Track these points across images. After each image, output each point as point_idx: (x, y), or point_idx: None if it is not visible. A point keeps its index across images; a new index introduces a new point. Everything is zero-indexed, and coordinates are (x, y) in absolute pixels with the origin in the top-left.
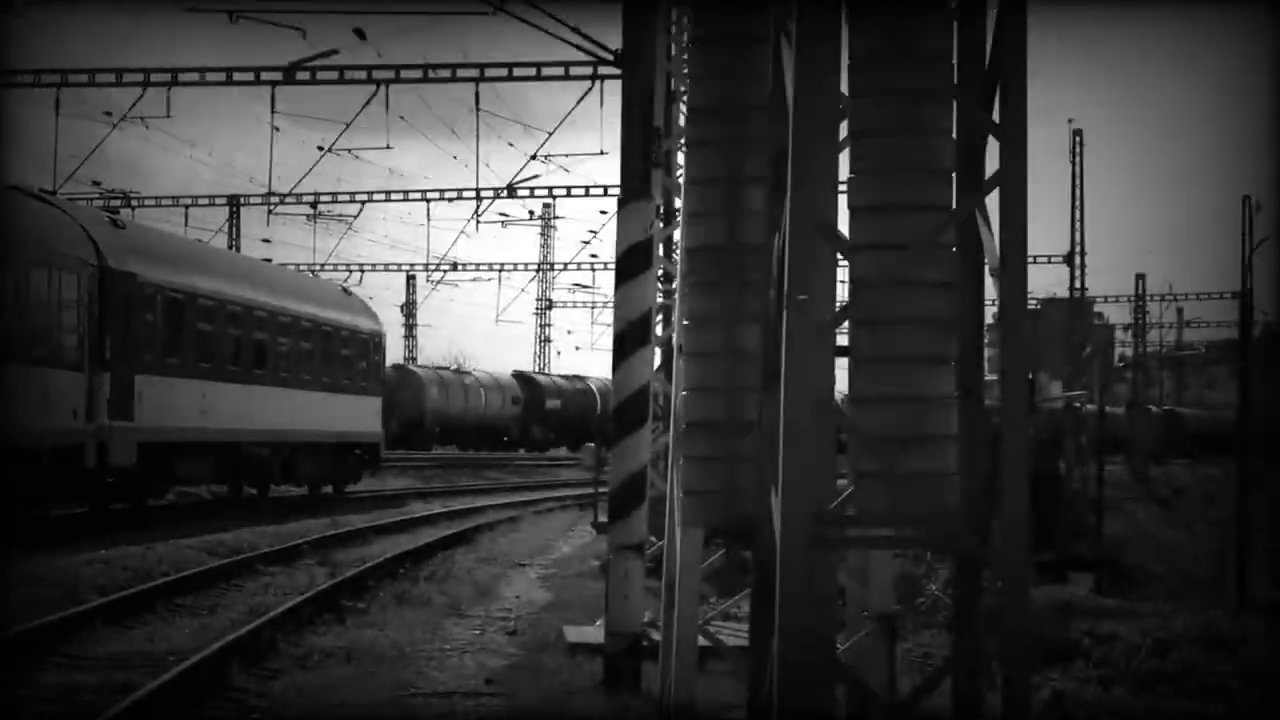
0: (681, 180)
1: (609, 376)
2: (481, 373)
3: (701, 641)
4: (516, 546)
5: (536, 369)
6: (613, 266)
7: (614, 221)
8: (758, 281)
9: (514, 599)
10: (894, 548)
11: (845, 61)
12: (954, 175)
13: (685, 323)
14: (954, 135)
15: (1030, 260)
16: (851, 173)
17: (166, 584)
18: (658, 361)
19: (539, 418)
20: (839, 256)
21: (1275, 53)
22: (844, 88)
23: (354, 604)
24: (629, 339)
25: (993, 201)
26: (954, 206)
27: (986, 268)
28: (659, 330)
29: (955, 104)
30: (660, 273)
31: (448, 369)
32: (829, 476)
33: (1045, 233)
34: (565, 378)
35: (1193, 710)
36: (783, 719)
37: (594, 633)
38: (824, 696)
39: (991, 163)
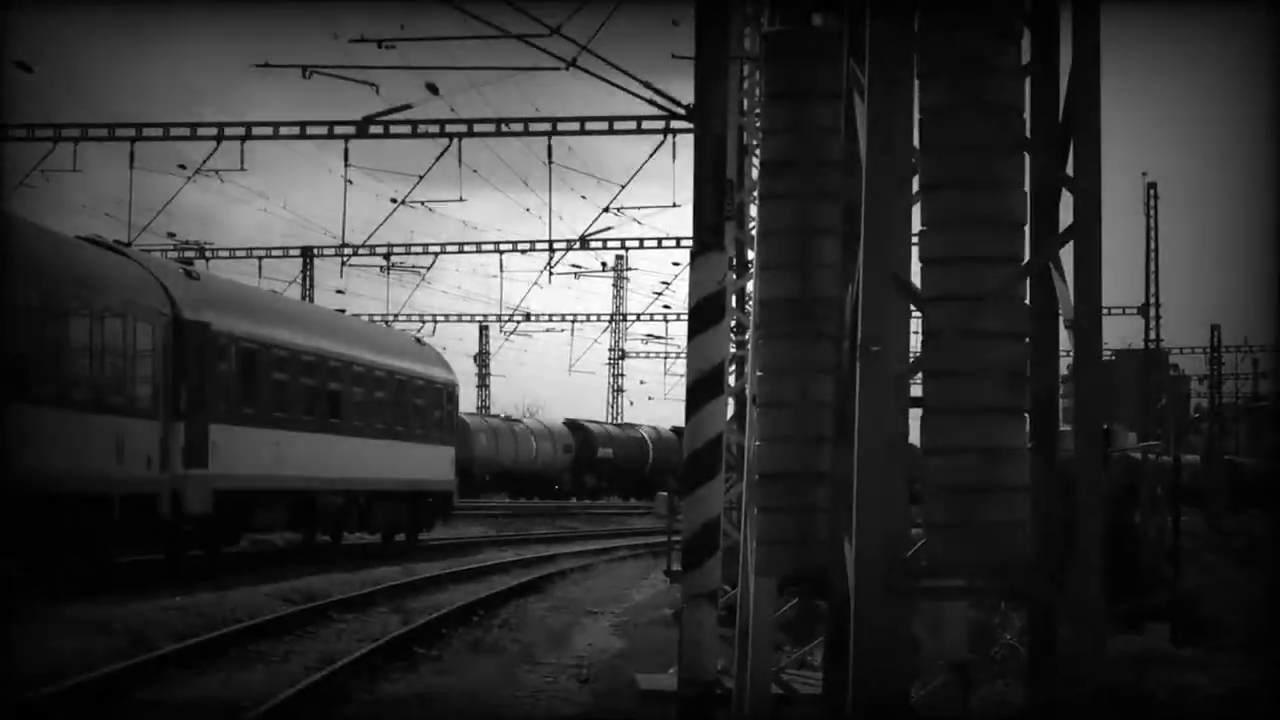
0: (754, 232)
1: (661, 425)
2: (533, 420)
3: (775, 690)
4: (589, 594)
5: (609, 419)
6: (685, 317)
7: (686, 273)
8: (831, 333)
9: (587, 646)
10: (968, 597)
11: (916, 115)
12: (1025, 228)
13: (759, 373)
14: (1025, 188)
15: (1105, 311)
16: (923, 225)
17: (240, 630)
18: (731, 411)
19: (590, 466)
20: (912, 308)
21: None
22: (915, 142)
23: (427, 651)
24: (702, 389)
25: (1067, 253)
26: (1026, 258)
27: (1061, 319)
28: (731, 381)
29: (1028, 157)
30: (733, 324)
31: (497, 417)
32: (903, 526)
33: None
34: (618, 425)
35: None
36: None
37: (667, 680)
38: None
39: (1066, 215)
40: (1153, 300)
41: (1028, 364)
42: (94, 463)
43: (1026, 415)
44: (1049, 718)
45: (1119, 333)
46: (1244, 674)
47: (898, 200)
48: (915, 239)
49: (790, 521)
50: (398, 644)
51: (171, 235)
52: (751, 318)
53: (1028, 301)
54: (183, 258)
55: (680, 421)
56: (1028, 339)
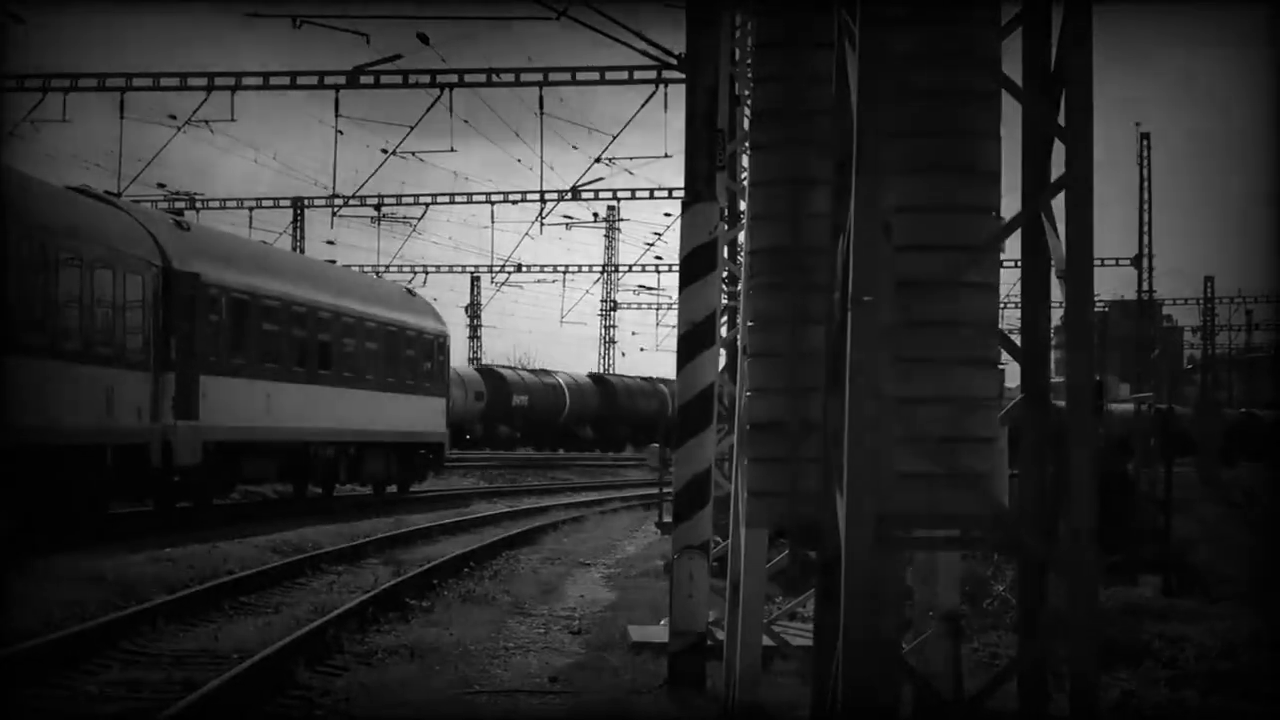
0: (746, 183)
1: (579, 373)
2: None
3: (766, 641)
4: (581, 546)
5: (603, 369)
6: (677, 269)
7: (678, 224)
8: (822, 283)
9: (578, 598)
10: (957, 549)
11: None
12: (1001, 178)
13: (750, 324)
14: (999, 138)
15: (1098, 263)
16: (900, 174)
17: (231, 582)
18: (723, 363)
19: (504, 415)
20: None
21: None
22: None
23: (418, 602)
24: (693, 341)
25: (1058, 204)
26: (1002, 209)
27: (1053, 270)
28: (723, 332)
29: (1021, 106)
30: (725, 275)
31: None
32: (885, 477)
33: (1113, 236)
34: (533, 372)
35: (1262, 713)
36: (847, 719)
37: (658, 632)
38: (888, 696)
39: (1057, 166)
40: (1146, 252)
41: (999, 314)
42: (85, 414)
43: (999, 365)
44: (1041, 668)
45: (1112, 285)
46: (1237, 625)
47: (887, 150)
48: None
49: (781, 472)
50: (389, 595)
51: (161, 186)
52: (743, 268)
53: (1019, 252)
54: (173, 208)
55: (661, 372)
56: (999, 289)
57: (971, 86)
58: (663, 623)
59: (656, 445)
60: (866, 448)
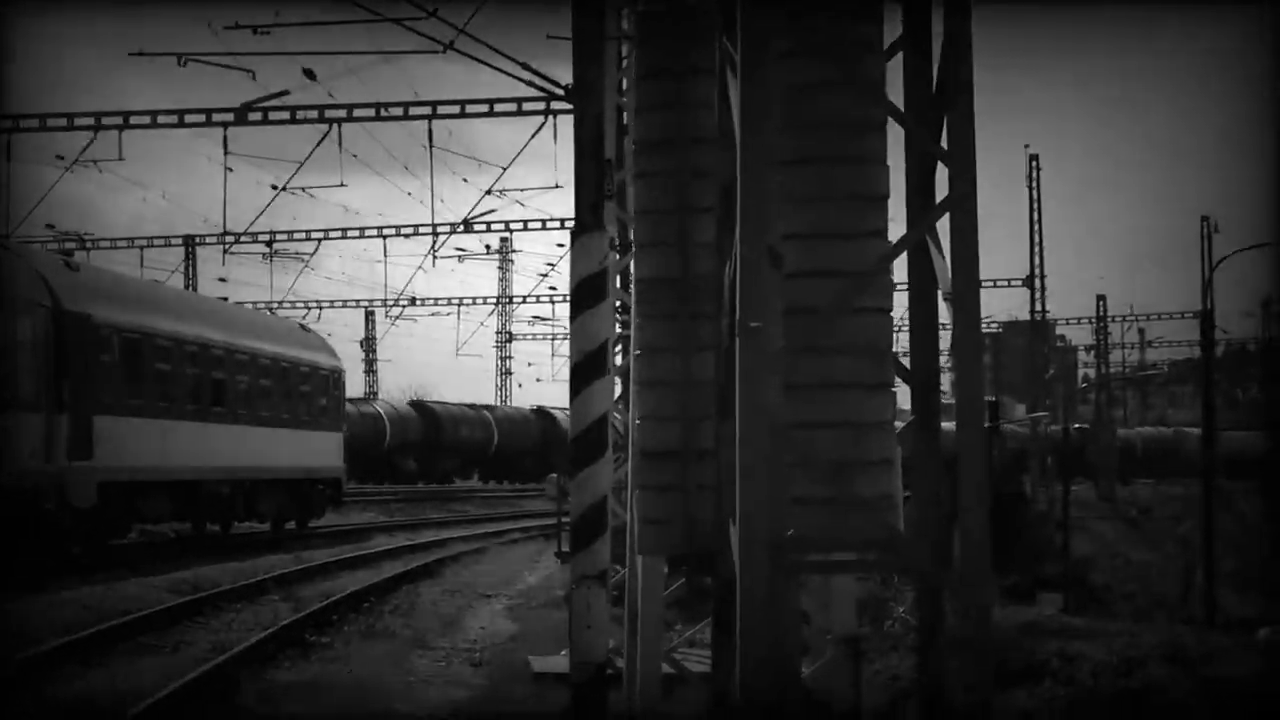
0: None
1: (399, 402)
2: None
3: (666, 669)
4: (482, 578)
5: (499, 401)
6: (570, 299)
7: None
8: (710, 310)
9: (480, 630)
10: (851, 572)
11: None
12: (888, 203)
13: (638, 352)
14: (886, 163)
15: (991, 284)
16: (788, 201)
17: (129, 623)
18: (619, 391)
19: None
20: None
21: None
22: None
23: (318, 638)
24: (586, 370)
25: (944, 227)
26: (889, 234)
27: (940, 292)
28: (618, 360)
29: (902, 131)
30: (619, 304)
31: None
32: (779, 502)
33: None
34: (351, 401)
35: None
36: None
37: (560, 662)
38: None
39: (942, 189)
40: (1038, 272)
41: (893, 338)
42: None
43: (893, 389)
44: (938, 690)
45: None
46: (1134, 641)
47: (772, 176)
48: None
49: (673, 499)
50: (288, 632)
51: (50, 227)
52: (633, 297)
53: (906, 276)
54: (63, 249)
55: (548, 401)
56: (892, 313)
57: (857, 113)
58: (564, 652)
59: (554, 475)
60: (757, 474)
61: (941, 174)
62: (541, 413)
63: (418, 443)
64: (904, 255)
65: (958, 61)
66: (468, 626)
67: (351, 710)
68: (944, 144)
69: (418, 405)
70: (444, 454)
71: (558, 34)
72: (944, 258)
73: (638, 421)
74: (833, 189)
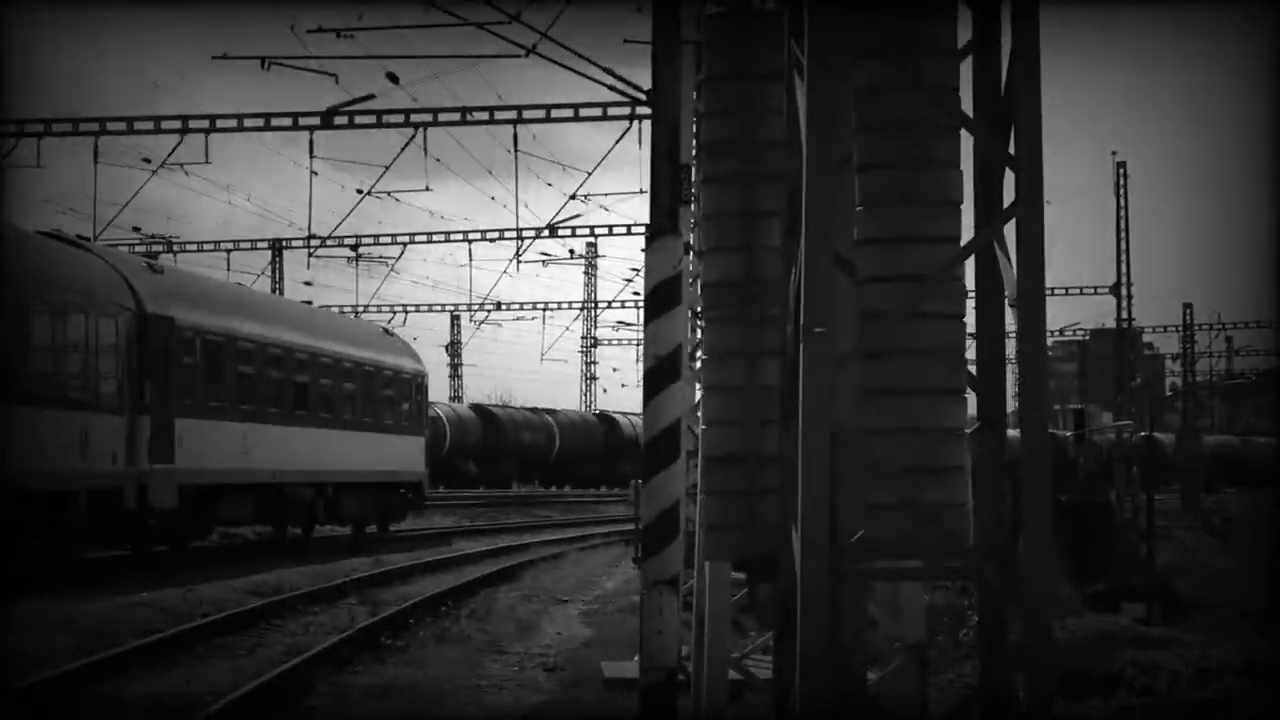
0: None
1: (460, 406)
2: None
3: (734, 675)
4: (559, 583)
5: (583, 406)
6: (645, 303)
7: None
8: (776, 315)
9: (555, 635)
10: (913, 579)
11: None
12: (961, 207)
13: (704, 357)
14: (960, 168)
15: (1078, 291)
16: (860, 205)
17: (206, 625)
18: (699, 396)
19: None
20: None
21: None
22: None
23: (393, 642)
24: (659, 375)
25: (1011, 232)
26: (967, 238)
27: (1006, 298)
28: (698, 365)
29: (971, 136)
30: (697, 309)
31: None
32: (849, 508)
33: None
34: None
35: None
36: None
37: (631, 667)
38: None
39: (1011, 194)
40: (1124, 280)
41: (967, 344)
42: (58, 459)
43: (965, 395)
44: (1002, 698)
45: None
46: (1211, 653)
47: (838, 180)
48: None
49: (737, 505)
50: (364, 635)
51: (136, 229)
52: (700, 302)
53: (972, 280)
54: (149, 252)
55: (632, 407)
56: (965, 319)
57: (928, 116)
58: (636, 658)
59: (637, 481)
60: (818, 478)
61: (1010, 179)
62: (604, 417)
63: (478, 446)
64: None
65: (1025, 64)
66: (543, 631)
67: (422, 713)
68: (1010, 148)
69: (478, 409)
70: (504, 458)
71: (635, 38)
72: (1011, 263)
73: (702, 427)
74: (905, 193)
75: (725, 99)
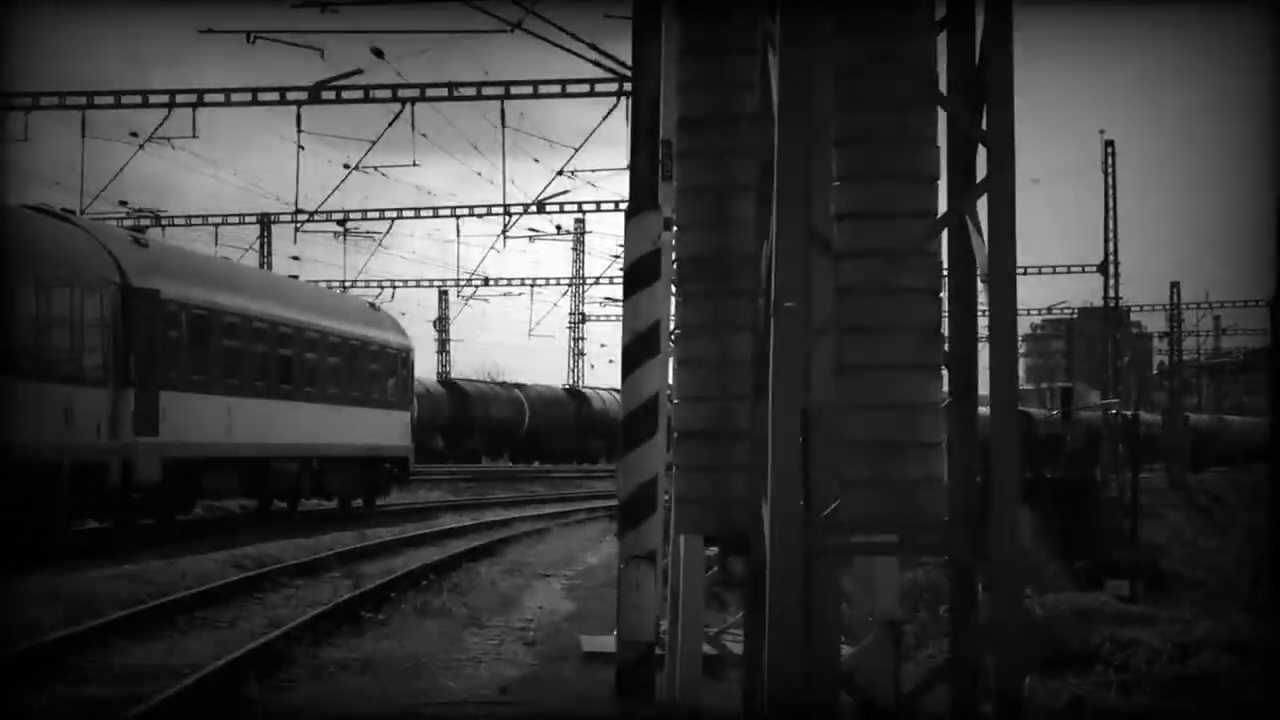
0: None
1: (429, 378)
2: None
3: (711, 650)
4: (542, 558)
5: (570, 383)
6: (624, 278)
7: None
8: (748, 290)
9: (536, 609)
10: (884, 554)
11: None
12: (938, 183)
13: (677, 331)
14: (936, 143)
15: (1065, 270)
16: (837, 180)
17: (188, 597)
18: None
19: None
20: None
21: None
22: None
23: (374, 615)
24: (638, 350)
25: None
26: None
27: (978, 275)
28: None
29: (943, 111)
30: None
31: None
32: (822, 483)
33: (1082, 242)
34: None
35: (1209, 714)
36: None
37: (610, 642)
38: (824, 701)
39: (984, 170)
40: (1112, 258)
41: (943, 319)
42: (42, 431)
43: (942, 370)
44: (974, 672)
45: (1077, 291)
46: (1192, 629)
47: (811, 155)
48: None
49: (708, 480)
50: (345, 608)
51: (124, 203)
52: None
53: (945, 256)
54: (137, 226)
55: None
56: (942, 295)
57: (905, 92)
58: (615, 632)
59: None
60: (788, 453)
61: (984, 155)
62: (574, 392)
63: (446, 421)
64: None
65: (997, 40)
66: (524, 605)
67: (399, 686)
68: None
69: (446, 383)
70: (473, 433)
71: (616, 13)
72: (982, 238)
73: (675, 402)
74: (881, 169)
75: (699, 72)
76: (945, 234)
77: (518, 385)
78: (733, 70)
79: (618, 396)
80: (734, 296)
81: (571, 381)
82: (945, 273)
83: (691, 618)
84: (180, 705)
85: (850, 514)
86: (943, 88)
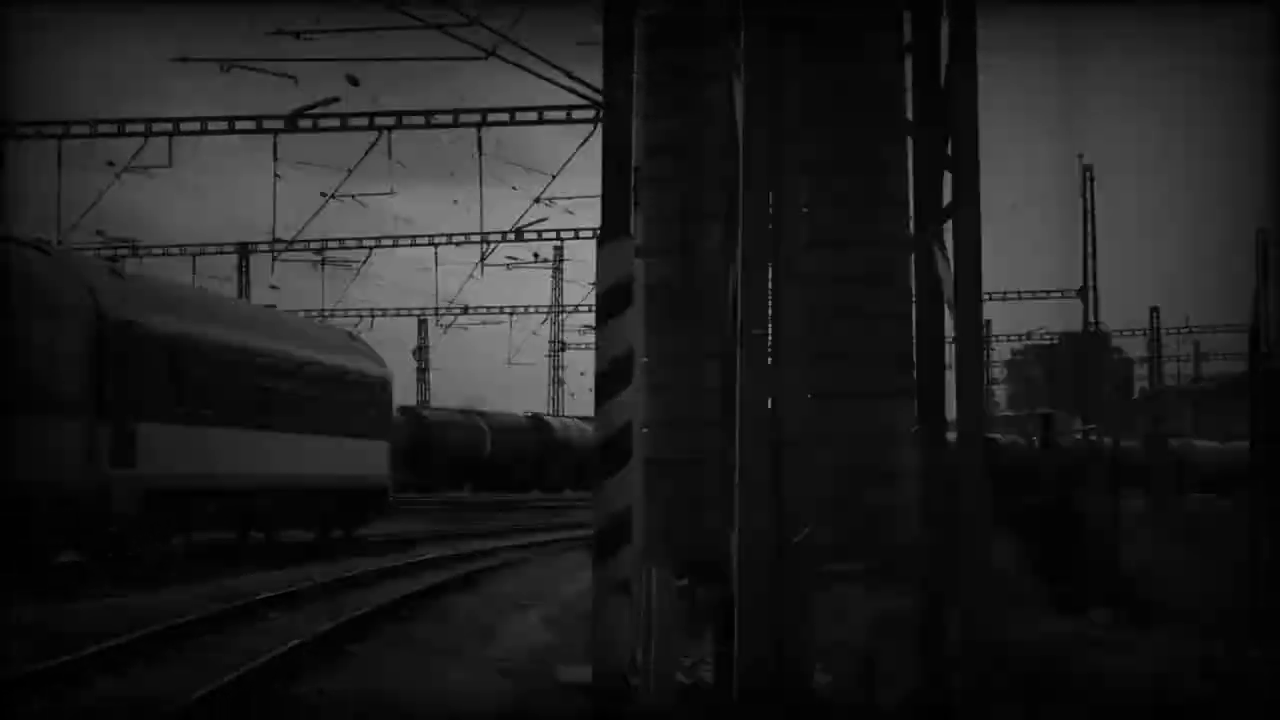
0: None
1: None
2: None
3: (683, 679)
4: (523, 588)
5: (550, 410)
6: (596, 306)
7: None
8: (716, 317)
9: (514, 640)
10: (850, 580)
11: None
12: (908, 208)
13: (644, 360)
14: (905, 170)
15: (1044, 295)
16: (805, 207)
17: (164, 630)
18: None
19: None
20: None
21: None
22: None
23: (351, 647)
24: (613, 378)
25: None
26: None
27: (945, 301)
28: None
29: (912, 138)
30: None
31: None
32: (791, 510)
33: (1058, 267)
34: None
35: None
36: None
37: (587, 672)
38: None
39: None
40: (1091, 283)
41: (912, 346)
42: (17, 464)
43: (911, 398)
44: (944, 700)
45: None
46: (1169, 656)
47: (776, 182)
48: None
49: (677, 508)
50: (321, 641)
51: (100, 233)
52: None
53: (913, 283)
54: (114, 256)
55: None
56: (909, 320)
57: (872, 118)
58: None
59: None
60: (757, 479)
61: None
62: (536, 419)
63: (404, 448)
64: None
65: (962, 68)
66: (502, 636)
67: (376, 718)
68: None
69: (404, 409)
70: (432, 461)
71: (588, 40)
72: (949, 264)
73: (645, 429)
74: (849, 195)
75: (663, 101)
76: (913, 259)
77: (479, 412)
78: (698, 98)
79: (580, 424)
80: (701, 324)
81: (551, 410)
82: (914, 298)
83: (663, 648)
84: None
85: (820, 541)
86: (911, 114)
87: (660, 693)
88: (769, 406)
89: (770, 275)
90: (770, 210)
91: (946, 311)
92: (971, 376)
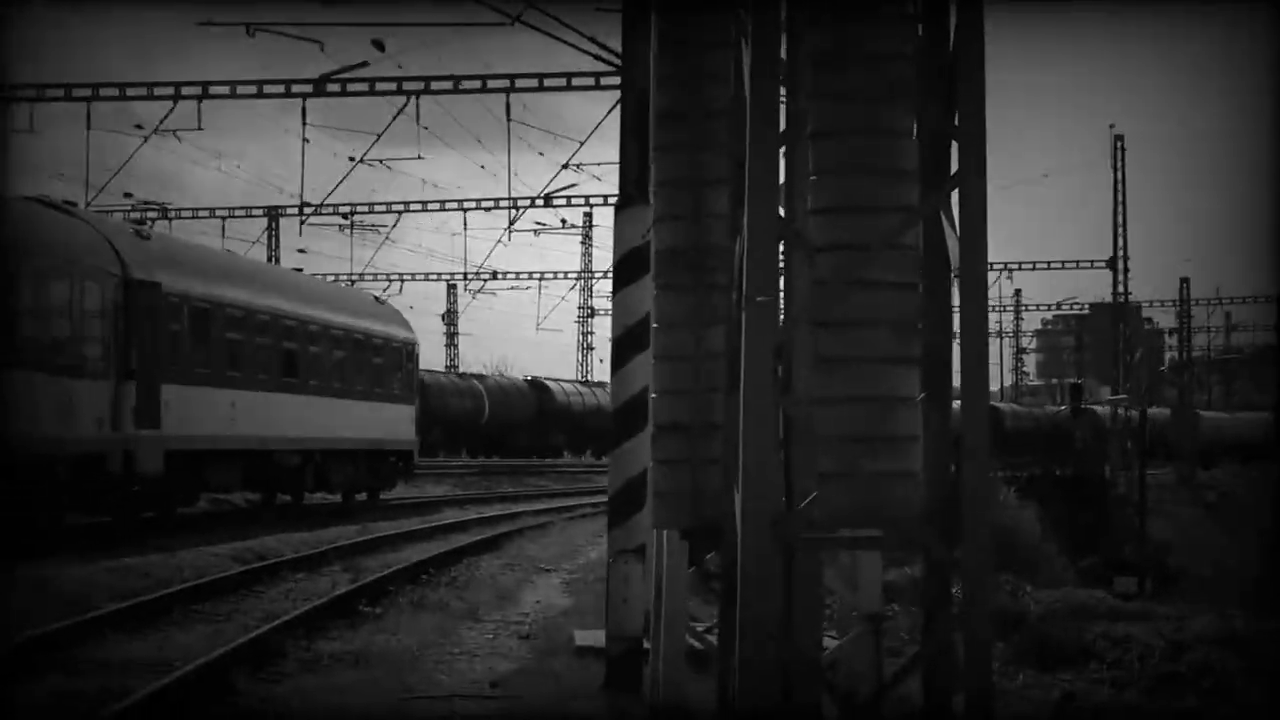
0: None
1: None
2: None
3: (695, 645)
4: (544, 551)
5: (579, 377)
6: (613, 272)
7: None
8: (724, 284)
9: (533, 604)
10: (859, 548)
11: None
12: (915, 176)
13: (654, 326)
14: (913, 136)
15: (1075, 265)
16: (812, 174)
17: (185, 590)
18: None
19: None
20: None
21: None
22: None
23: (371, 609)
24: (627, 344)
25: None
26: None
27: (951, 271)
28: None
29: (919, 106)
30: None
31: None
32: (796, 477)
33: (1089, 237)
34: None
35: (1203, 710)
36: (742, 715)
37: (603, 636)
38: (807, 697)
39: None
40: (1121, 254)
41: (918, 313)
42: (42, 424)
43: (917, 365)
44: (945, 666)
45: (1081, 285)
46: (1188, 625)
47: (785, 149)
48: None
49: (684, 473)
50: (341, 602)
51: (128, 195)
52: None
53: (922, 250)
54: (143, 218)
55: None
56: (919, 288)
57: (882, 85)
58: None
59: None
60: (761, 446)
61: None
62: (536, 384)
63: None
64: None
65: (969, 33)
66: (522, 600)
67: (392, 680)
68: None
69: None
70: (430, 426)
71: (606, 7)
72: (955, 234)
73: (652, 396)
74: (858, 162)
75: (675, 66)
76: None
77: (476, 376)
78: (708, 64)
79: (580, 389)
80: (710, 290)
81: (581, 375)
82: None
83: (674, 612)
84: (167, 698)
85: (825, 508)
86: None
87: (671, 658)
88: (775, 373)
89: (777, 242)
90: (777, 175)
91: (953, 278)
92: (976, 342)
